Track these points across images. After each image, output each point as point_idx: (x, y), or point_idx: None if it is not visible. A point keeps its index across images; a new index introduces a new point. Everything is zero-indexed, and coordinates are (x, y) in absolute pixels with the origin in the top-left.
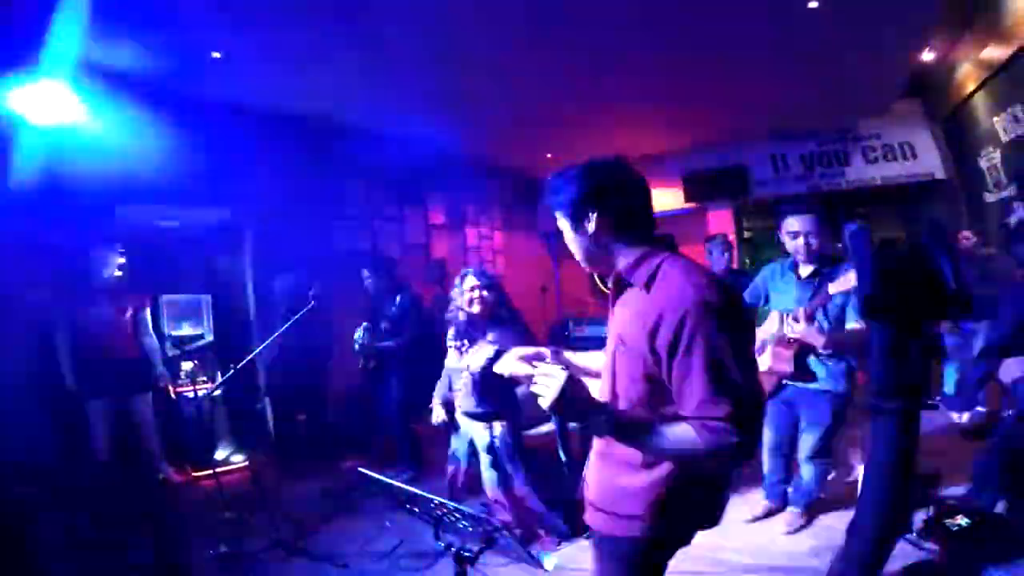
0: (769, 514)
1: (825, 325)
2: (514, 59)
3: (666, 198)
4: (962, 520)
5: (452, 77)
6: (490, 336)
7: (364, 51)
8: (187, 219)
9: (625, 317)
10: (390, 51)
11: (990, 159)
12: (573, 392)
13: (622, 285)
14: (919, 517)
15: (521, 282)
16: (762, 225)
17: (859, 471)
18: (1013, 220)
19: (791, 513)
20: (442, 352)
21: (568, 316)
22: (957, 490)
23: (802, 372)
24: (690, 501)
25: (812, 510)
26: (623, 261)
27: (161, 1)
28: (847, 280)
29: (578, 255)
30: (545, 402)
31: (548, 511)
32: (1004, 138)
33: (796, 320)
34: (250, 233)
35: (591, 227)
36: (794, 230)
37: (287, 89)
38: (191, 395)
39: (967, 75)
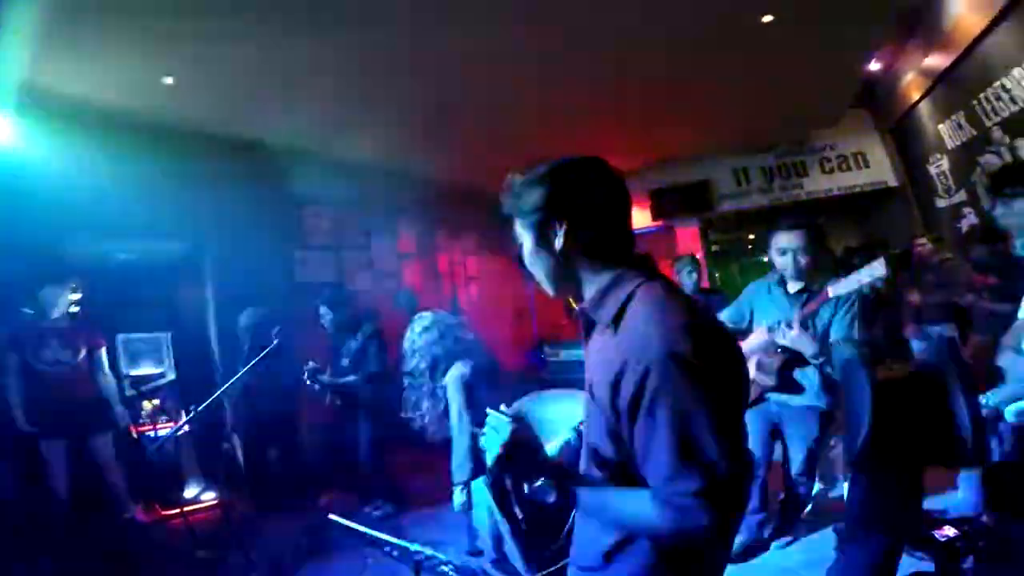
0: (746, 553)
1: (815, 339)
2: (483, 79)
3: (635, 216)
4: (949, 531)
5: (419, 98)
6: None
7: (327, 76)
8: (146, 252)
9: (594, 361)
10: (353, 74)
11: (938, 166)
12: (520, 448)
13: (590, 321)
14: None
15: (496, 308)
16: (728, 239)
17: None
18: (965, 225)
19: (778, 528)
20: None
21: (544, 340)
22: (941, 499)
23: (787, 385)
24: (684, 566)
25: (796, 524)
26: (589, 291)
27: (109, 25)
28: (850, 282)
29: (540, 276)
30: (489, 457)
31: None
32: (950, 145)
33: (790, 327)
34: (211, 266)
35: (558, 243)
36: (782, 246)
37: (247, 115)
38: (154, 434)
39: (911, 84)
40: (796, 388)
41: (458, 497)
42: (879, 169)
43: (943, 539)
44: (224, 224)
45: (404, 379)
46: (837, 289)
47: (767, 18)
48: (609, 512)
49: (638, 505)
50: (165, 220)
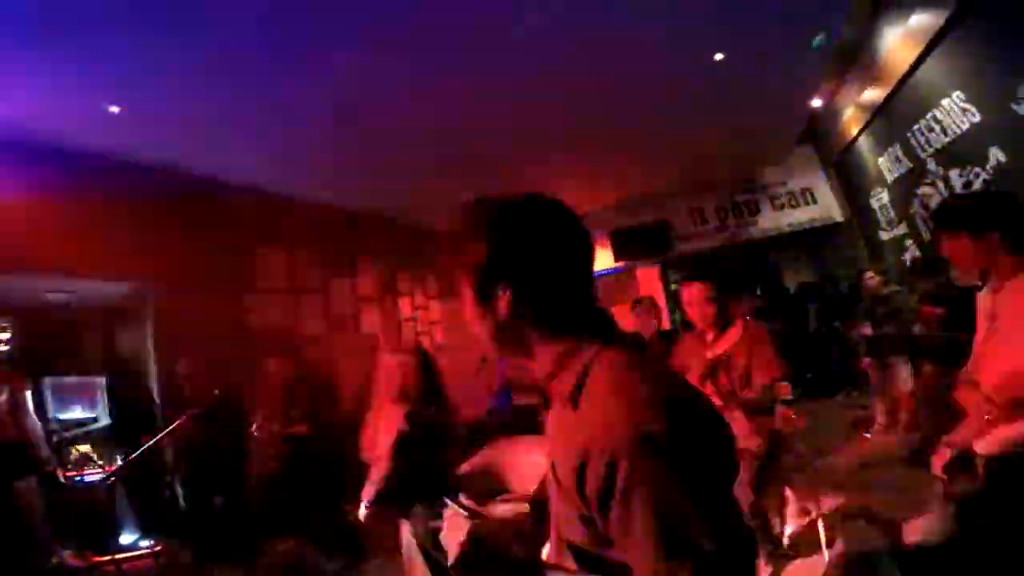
0: None
1: (735, 385)
2: (442, 117)
3: (596, 258)
4: (930, 560)
5: (375, 137)
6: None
7: (279, 112)
8: (83, 292)
9: (555, 437)
10: (305, 110)
11: (879, 199)
12: (481, 548)
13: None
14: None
15: (462, 353)
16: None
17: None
18: (908, 257)
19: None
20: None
21: (510, 384)
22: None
23: None
24: None
25: (777, 558)
26: (541, 362)
27: (48, 46)
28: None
29: (483, 339)
30: (448, 560)
31: None
32: (889, 178)
33: (711, 377)
34: (154, 309)
35: (501, 308)
36: (688, 300)
37: (197, 149)
38: (86, 479)
39: (851, 119)
40: None
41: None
42: (826, 204)
43: (925, 570)
44: (168, 264)
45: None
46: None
47: (719, 56)
48: None
49: None
50: (105, 259)
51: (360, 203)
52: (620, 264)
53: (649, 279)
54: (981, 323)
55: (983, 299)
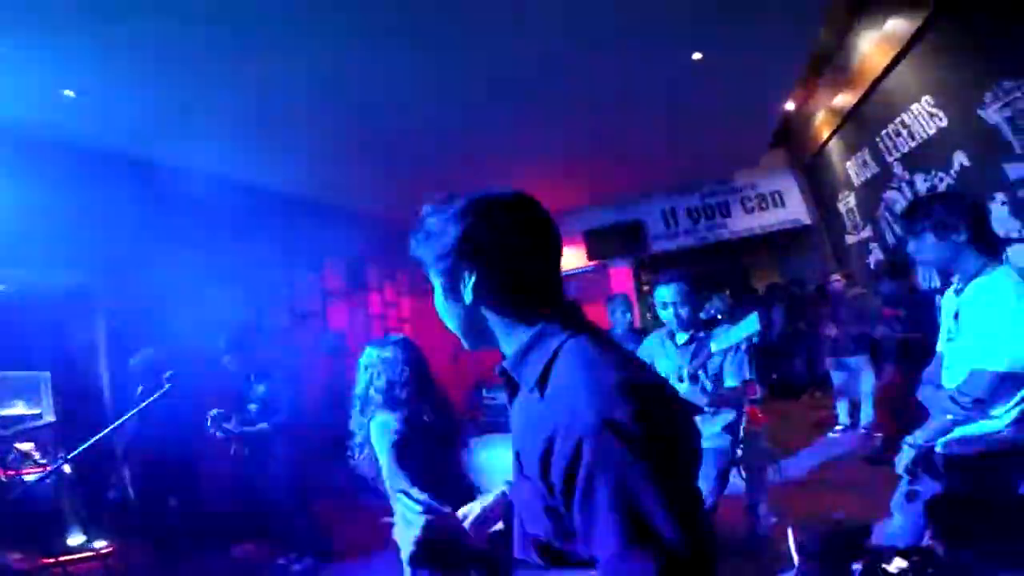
0: None
1: (708, 385)
2: (415, 111)
3: (570, 256)
4: (900, 562)
5: (346, 126)
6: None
7: (245, 97)
8: (27, 283)
9: (520, 426)
10: (273, 98)
11: (846, 203)
12: (437, 543)
13: (512, 381)
14: (856, 568)
15: (432, 349)
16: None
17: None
18: (872, 260)
19: None
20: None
21: (481, 382)
22: (881, 527)
23: None
24: None
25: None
26: (507, 347)
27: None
28: (728, 338)
29: (453, 328)
30: (404, 554)
31: None
32: (856, 182)
33: (680, 380)
34: (104, 301)
35: (467, 295)
36: (662, 300)
37: (155, 134)
38: (27, 478)
39: (822, 123)
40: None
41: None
42: (794, 208)
43: (896, 572)
44: (121, 254)
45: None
46: (718, 344)
47: (696, 55)
48: None
49: None
50: (52, 247)
51: (328, 195)
52: (593, 263)
53: (622, 278)
54: (944, 324)
55: (946, 300)
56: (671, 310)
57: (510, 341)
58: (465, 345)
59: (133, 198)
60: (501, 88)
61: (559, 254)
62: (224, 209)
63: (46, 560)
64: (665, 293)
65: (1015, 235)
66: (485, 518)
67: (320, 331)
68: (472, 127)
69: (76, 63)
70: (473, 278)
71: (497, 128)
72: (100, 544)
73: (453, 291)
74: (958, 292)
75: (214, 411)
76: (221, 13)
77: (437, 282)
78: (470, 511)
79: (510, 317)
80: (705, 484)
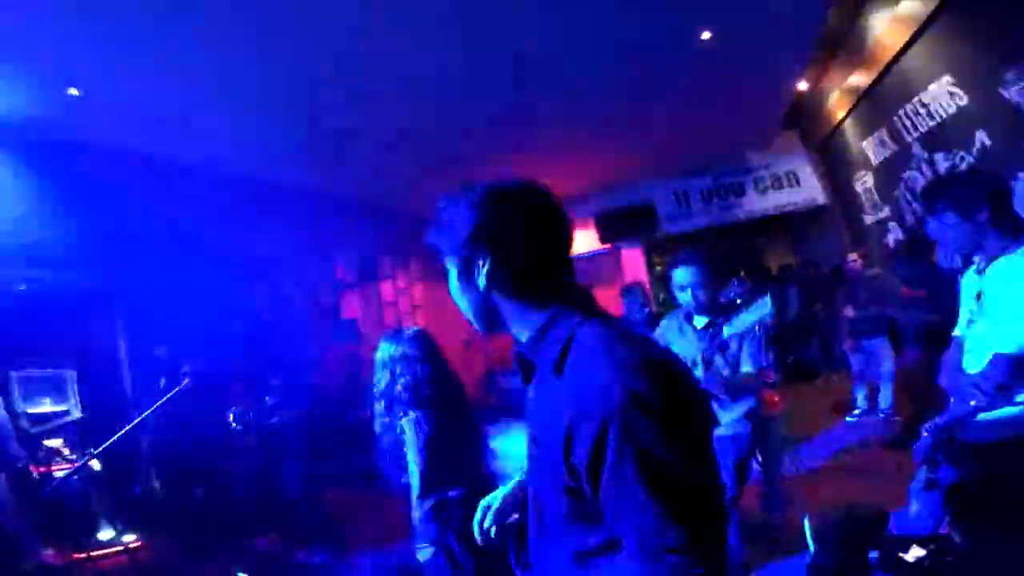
0: None
1: (725, 372)
2: (427, 101)
3: (581, 239)
4: (918, 551)
5: (358, 118)
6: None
7: (257, 89)
8: (49, 283)
9: (537, 409)
10: (286, 90)
11: (864, 183)
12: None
13: (528, 364)
14: (873, 556)
15: (444, 336)
16: (671, 260)
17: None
18: (891, 240)
19: None
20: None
21: (493, 368)
22: (898, 515)
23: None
24: None
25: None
26: (523, 331)
27: (6, 28)
28: (742, 322)
29: (468, 314)
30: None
31: None
32: (874, 161)
33: (695, 365)
34: (124, 298)
35: (481, 279)
36: (680, 283)
37: (164, 132)
38: (59, 474)
39: (837, 102)
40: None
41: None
42: (810, 188)
43: (913, 560)
44: (138, 252)
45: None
46: (731, 329)
47: (706, 35)
48: None
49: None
50: (72, 247)
51: (340, 186)
52: (605, 246)
53: (633, 261)
54: (964, 306)
55: (967, 281)
56: (688, 292)
57: (523, 326)
58: (479, 330)
59: (149, 196)
60: (512, 75)
61: (570, 241)
62: (239, 204)
63: (78, 555)
64: (683, 275)
65: None
66: (504, 509)
67: (333, 320)
68: (483, 115)
69: (80, 62)
70: (487, 265)
71: (508, 115)
72: (129, 539)
73: (467, 278)
74: (980, 272)
75: (235, 408)
76: (229, 7)
77: (452, 270)
78: (492, 501)
79: (523, 303)
80: (723, 473)
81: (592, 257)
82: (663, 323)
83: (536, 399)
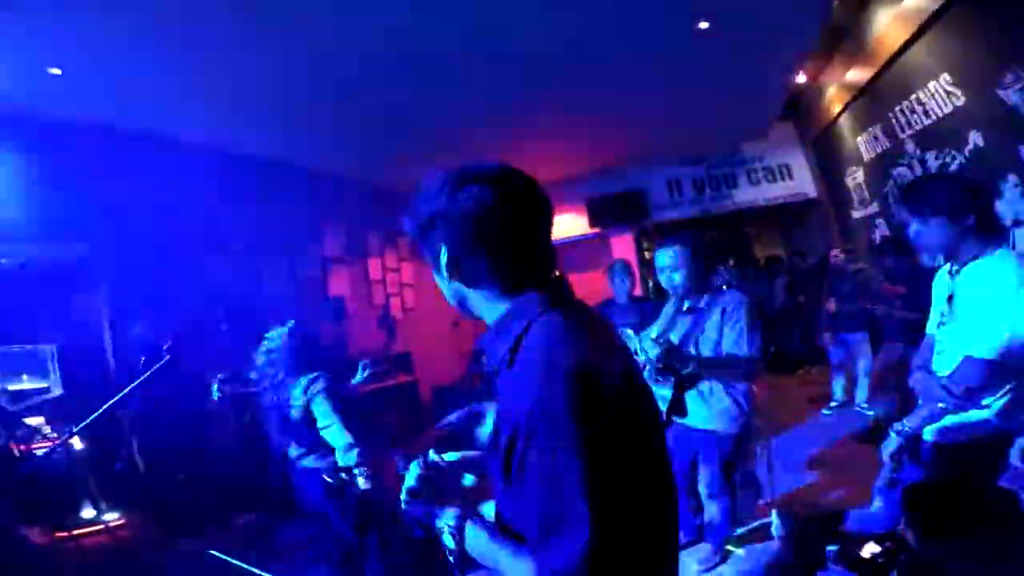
0: (683, 546)
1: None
2: (415, 77)
3: (572, 223)
4: (873, 547)
5: (345, 93)
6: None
7: (241, 62)
8: (28, 256)
9: (498, 403)
10: (270, 62)
11: (855, 178)
12: (427, 483)
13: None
14: (830, 551)
15: (434, 316)
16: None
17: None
18: (877, 236)
19: (705, 550)
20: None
21: (480, 349)
22: (858, 512)
23: (677, 409)
24: None
25: (727, 544)
26: (487, 321)
27: None
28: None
29: (449, 299)
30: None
31: None
32: (866, 157)
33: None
34: (107, 273)
35: (443, 267)
36: (660, 266)
37: (148, 107)
38: (40, 452)
39: (834, 97)
40: (684, 412)
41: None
42: (801, 181)
43: (868, 556)
44: (122, 226)
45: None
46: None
47: (703, 24)
48: (494, 566)
49: (518, 568)
50: (53, 221)
51: (327, 162)
52: (595, 231)
53: (624, 247)
54: (936, 307)
55: (939, 282)
56: (667, 274)
57: (489, 315)
58: (463, 315)
59: (132, 172)
60: (503, 55)
61: (545, 228)
62: (224, 178)
63: (61, 534)
64: (663, 257)
65: None
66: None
67: (320, 297)
68: (473, 94)
69: (59, 41)
70: (447, 252)
71: (499, 94)
72: (111, 517)
73: (435, 263)
74: (953, 274)
75: (220, 375)
76: None
77: (426, 255)
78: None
79: (489, 292)
80: (706, 470)
81: (582, 241)
82: (666, 307)
83: (499, 394)
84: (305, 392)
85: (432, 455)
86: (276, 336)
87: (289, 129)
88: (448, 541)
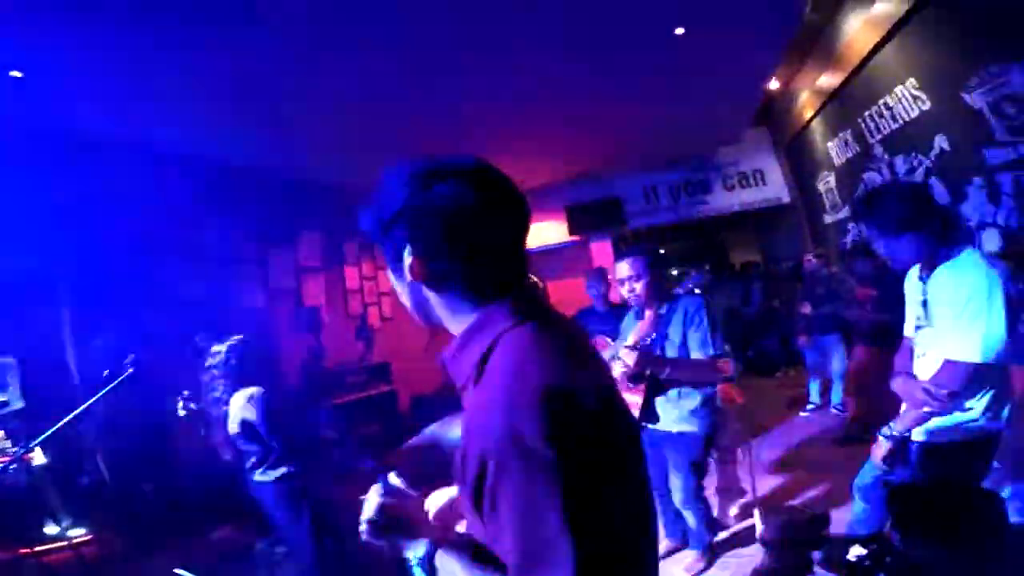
0: (670, 552)
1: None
2: (392, 82)
3: (552, 231)
4: (859, 550)
5: (319, 97)
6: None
7: (211, 65)
8: None
9: (463, 419)
10: (243, 65)
11: (826, 183)
12: (390, 513)
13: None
14: (816, 556)
15: (411, 326)
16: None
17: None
18: (849, 240)
19: (691, 556)
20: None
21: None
22: (841, 513)
23: (649, 415)
24: None
25: (712, 549)
26: (452, 333)
27: None
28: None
29: (404, 303)
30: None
31: None
32: (837, 162)
33: (632, 349)
34: (69, 283)
35: (406, 269)
36: (619, 277)
37: (115, 112)
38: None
39: (806, 103)
40: (655, 418)
41: None
42: (775, 186)
43: (854, 559)
44: (86, 235)
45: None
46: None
47: (679, 30)
48: None
49: None
50: (12, 231)
51: (302, 168)
52: (575, 238)
53: (603, 253)
54: (911, 311)
55: (910, 286)
56: (627, 285)
57: (455, 325)
58: (423, 325)
59: (95, 178)
60: (481, 63)
61: (520, 230)
62: (192, 185)
63: (24, 551)
64: (623, 268)
65: (989, 220)
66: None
67: (294, 307)
68: (451, 101)
69: (21, 44)
70: (411, 254)
71: (477, 101)
72: (76, 533)
73: (396, 265)
74: (923, 278)
75: (185, 392)
76: None
77: (386, 255)
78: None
79: (454, 299)
80: (675, 474)
81: (562, 249)
82: (627, 317)
83: (465, 415)
84: (248, 405)
85: (392, 478)
86: (218, 351)
87: (262, 133)
88: (418, 574)
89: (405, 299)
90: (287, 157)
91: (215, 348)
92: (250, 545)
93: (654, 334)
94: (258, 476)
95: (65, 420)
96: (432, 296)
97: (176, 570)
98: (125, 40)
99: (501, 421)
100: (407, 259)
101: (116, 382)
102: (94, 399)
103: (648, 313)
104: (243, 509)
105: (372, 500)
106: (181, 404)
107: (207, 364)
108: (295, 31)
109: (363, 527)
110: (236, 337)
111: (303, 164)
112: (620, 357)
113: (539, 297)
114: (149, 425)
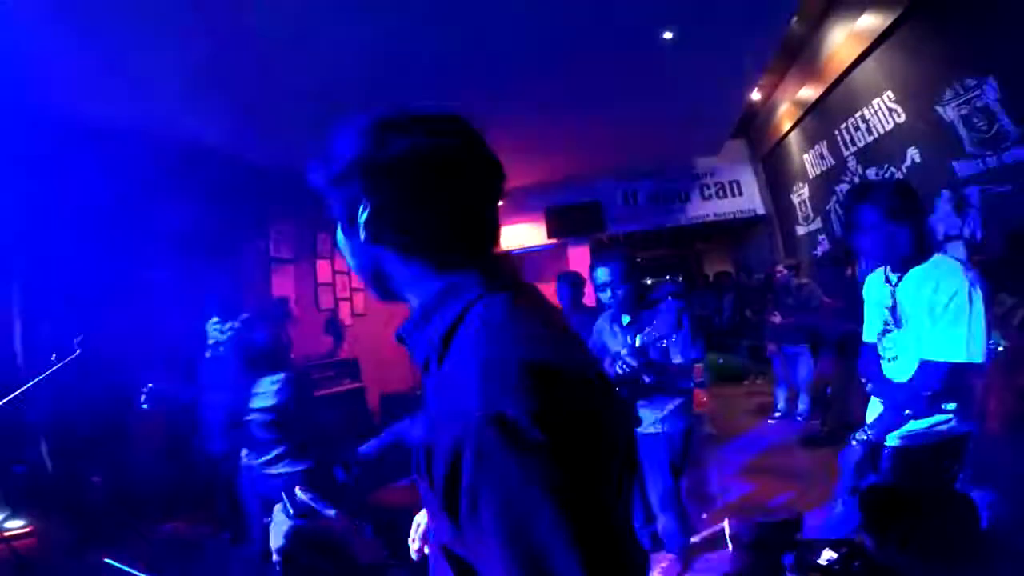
0: None
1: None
2: (371, 72)
3: (530, 233)
4: (830, 554)
5: (295, 82)
6: None
7: (181, 46)
8: None
9: (425, 408)
10: (215, 47)
11: (800, 194)
12: (305, 539)
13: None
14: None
15: (385, 322)
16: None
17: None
18: (820, 251)
19: (668, 560)
20: None
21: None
22: (820, 514)
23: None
24: None
25: (689, 551)
26: (412, 302)
27: None
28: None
29: (355, 271)
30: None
31: None
32: (811, 174)
33: (621, 361)
34: (22, 268)
35: (362, 230)
36: (600, 282)
37: (75, 89)
38: None
39: (784, 114)
40: (638, 422)
41: None
42: (751, 197)
43: (824, 563)
44: (39, 219)
45: None
46: (645, 339)
47: (667, 34)
48: None
49: None
50: None
51: (275, 156)
52: (553, 241)
53: (580, 258)
54: (874, 315)
55: (873, 290)
56: (608, 291)
57: (416, 295)
58: (373, 295)
59: (55, 160)
60: (462, 63)
61: (493, 192)
62: (157, 169)
63: None
64: (602, 273)
65: (955, 233)
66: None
67: (261, 298)
68: (430, 99)
69: None
70: (367, 210)
71: (458, 101)
72: (14, 524)
73: (349, 225)
74: (891, 281)
75: (149, 385)
76: None
77: (336, 213)
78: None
79: (416, 264)
80: (653, 476)
81: (539, 252)
82: (597, 323)
83: (426, 397)
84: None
85: (299, 494)
86: (229, 327)
87: (235, 118)
88: None
89: (356, 265)
90: (260, 144)
91: (218, 326)
92: (201, 539)
93: (664, 339)
94: (279, 468)
95: (1, 402)
96: (390, 260)
97: (106, 559)
98: (85, 10)
99: (478, 402)
100: (362, 216)
101: (60, 364)
102: (34, 381)
103: (627, 318)
104: (197, 502)
105: (279, 525)
106: (144, 396)
107: (211, 342)
108: (272, 18)
109: (275, 558)
110: (243, 316)
111: (277, 152)
112: (622, 358)
113: (512, 266)
114: (101, 414)
